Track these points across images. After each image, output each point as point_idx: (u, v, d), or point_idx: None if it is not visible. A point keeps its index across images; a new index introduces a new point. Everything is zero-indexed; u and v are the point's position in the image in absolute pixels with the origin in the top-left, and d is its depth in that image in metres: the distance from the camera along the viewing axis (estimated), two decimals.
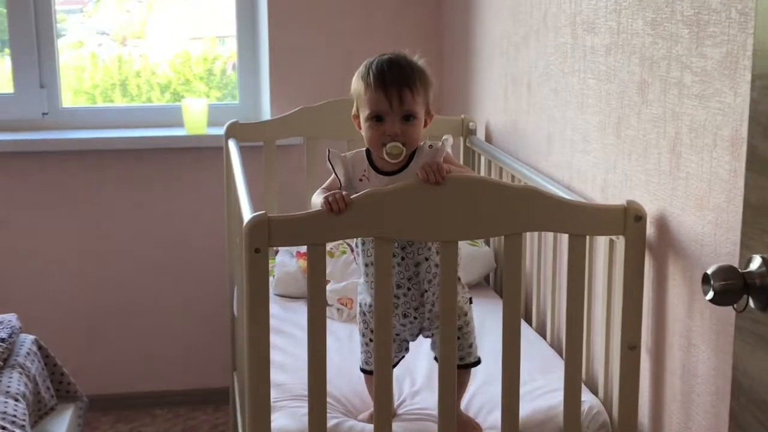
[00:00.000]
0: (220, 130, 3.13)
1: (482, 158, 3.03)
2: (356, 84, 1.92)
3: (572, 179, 2.37)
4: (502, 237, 1.86)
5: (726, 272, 1.29)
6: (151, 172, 3.53)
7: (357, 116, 1.94)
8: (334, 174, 1.94)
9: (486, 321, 2.53)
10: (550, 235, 2.44)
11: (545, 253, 2.52)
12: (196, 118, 3.48)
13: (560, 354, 2.35)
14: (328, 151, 1.94)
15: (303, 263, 2.85)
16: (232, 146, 2.91)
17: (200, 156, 3.52)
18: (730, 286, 1.28)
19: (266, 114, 3.55)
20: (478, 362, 2.03)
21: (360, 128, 1.92)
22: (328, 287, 2.59)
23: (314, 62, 3.49)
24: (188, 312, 3.64)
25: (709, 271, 1.29)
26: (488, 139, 3.11)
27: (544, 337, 2.48)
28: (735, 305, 1.30)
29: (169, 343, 3.66)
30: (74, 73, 3.71)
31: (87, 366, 3.52)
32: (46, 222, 3.51)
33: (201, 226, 3.57)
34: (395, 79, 1.86)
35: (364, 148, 1.95)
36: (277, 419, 1.95)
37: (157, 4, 3.81)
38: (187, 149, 3.52)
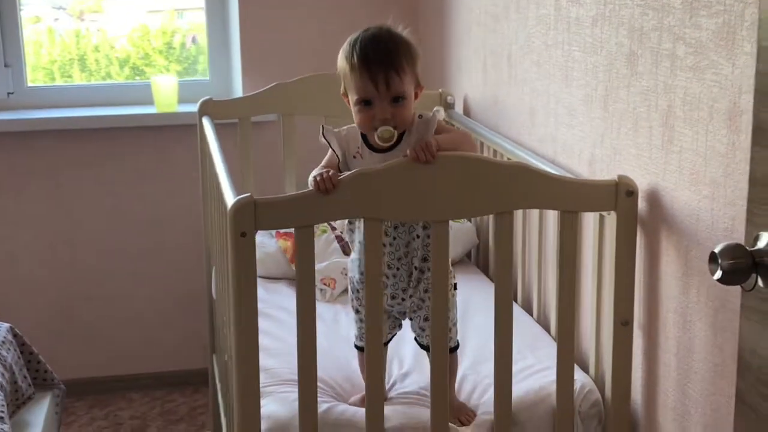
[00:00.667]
0: (191, 107, 3.06)
1: None
2: (341, 63, 1.86)
3: (557, 153, 2.33)
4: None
5: (734, 251, 1.25)
6: (122, 151, 3.46)
7: (346, 94, 1.89)
8: (330, 150, 1.89)
9: (472, 298, 2.50)
10: (535, 209, 2.40)
11: (530, 228, 2.48)
12: (166, 95, 3.41)
13: (547, 330, 2.32)
14: (322, 127, 1.90)
15: (283, 243, 2.80)
16: (207, 124, 2.84)
17: (171, 134, 3.45)
18: (738, 265, 1.25)
19: (238, 91, 3.47)
20: (456, 347, 1.99)
21: (350, 105, 1.87)
22: None
23: (287, 36, 3.42)
24: (163, 293, 3.58)
25: (716, 250, 1.26)
26: (467, 112, 3.06)
27: (530, 313, 2.45)
28: (743, 284, 1.27)
29: (144, 326, 3.60)
30: (33, 49, 3.61)
31: (61, 350, 3.45)
32: (15, 205, 3.42)
33: (175, 205, 3.50)
34: (381, 63, 1.80)
35: None
36: (266, 405, 1.90)
37: None
38: (158, 127, 3.45)
